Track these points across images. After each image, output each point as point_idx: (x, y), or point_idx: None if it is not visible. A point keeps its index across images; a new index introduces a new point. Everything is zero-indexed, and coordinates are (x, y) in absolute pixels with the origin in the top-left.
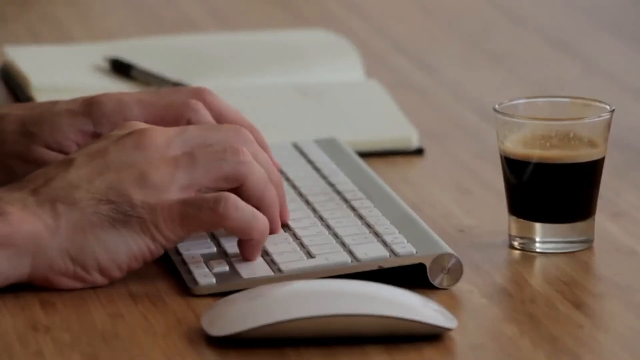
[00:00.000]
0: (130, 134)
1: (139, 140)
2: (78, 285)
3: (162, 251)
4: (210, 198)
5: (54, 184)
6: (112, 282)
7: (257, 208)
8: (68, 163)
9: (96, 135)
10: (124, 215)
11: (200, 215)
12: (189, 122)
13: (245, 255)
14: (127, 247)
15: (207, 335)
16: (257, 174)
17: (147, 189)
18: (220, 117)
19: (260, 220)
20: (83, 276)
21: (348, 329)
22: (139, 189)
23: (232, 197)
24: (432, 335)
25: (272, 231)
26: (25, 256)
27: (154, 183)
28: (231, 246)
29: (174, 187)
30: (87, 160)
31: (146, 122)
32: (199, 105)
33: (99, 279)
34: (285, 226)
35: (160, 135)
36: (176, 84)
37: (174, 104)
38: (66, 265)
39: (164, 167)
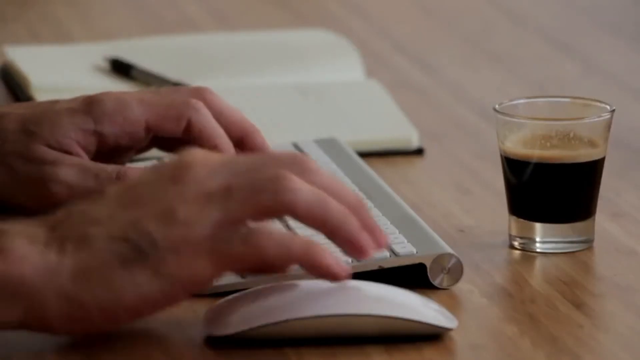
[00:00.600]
0: (173, 164)
1: (178, 173)
2: (77, 329)
3: (182, 298)
4: (242, 232)
5: (73, 220)
6: None
7: (331, 239)
8: (99, 196)
9: (97, 134)
10: (140, 253)
11: (231, 250)
12: (189, 122)
13: (327, 276)
14: (137, 289)
15: (207, 335)
16: (305, 200)
17: (172, 225)
18: (220, 117)
19: (301, 243)
20: (81, 318)
21: (348, 329)
22: (163, 225)
23: (264, 227)
24: (432, 335)
25: (360, 255)
26: (18, 298)
27: (181, 219)
28: None
29: (204, 224)
30: (118, 193)
31: (147, 121)
32: (200, 105)
33: (99, 321)
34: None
35: (204, 167)
36: (176, 84)
37: (174, 103)
38: (61, 308)
39: (195, 202)
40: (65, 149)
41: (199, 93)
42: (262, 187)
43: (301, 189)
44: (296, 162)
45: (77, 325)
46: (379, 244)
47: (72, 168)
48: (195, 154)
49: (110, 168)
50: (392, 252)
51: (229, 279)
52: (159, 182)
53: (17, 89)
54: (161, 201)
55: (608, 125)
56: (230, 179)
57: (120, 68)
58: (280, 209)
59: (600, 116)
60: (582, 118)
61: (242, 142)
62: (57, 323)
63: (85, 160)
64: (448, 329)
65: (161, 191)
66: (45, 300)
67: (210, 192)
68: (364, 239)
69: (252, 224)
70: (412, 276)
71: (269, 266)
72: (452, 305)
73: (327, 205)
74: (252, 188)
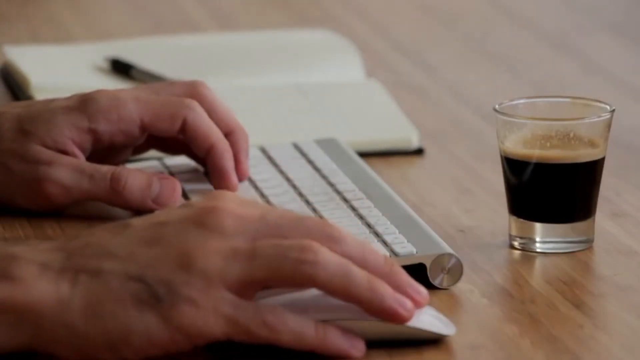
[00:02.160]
0: (203, 207)
1: (206, 218)
2: (82, 359)
3: (190, 346)
4: (260, 310)
5: (90, 250)
6: None
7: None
8: (123, 227)
9: (92, 132)
10: (154, 297)
11: (248, 324)
12: (184, 121)
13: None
14: (147, 332)
15: None
16: (327, 273)
17: (192, 275)
18: (211, 113)
19: (314, 329)
20: (89, 354)
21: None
22: (182, 273)
23: (282, 309)
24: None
25: (399, 321)
26: (25, 325)
27: (200, 271)
28: None
29: (222, 281)
30: (143, 228)
31: (142, 119)
32: (195, 104)
33: (107, 357)
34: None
35: (234, 218)
36: None
37: (170, 102)
38: (69, 340)
39: (217, 256)
40: (60, 147)
41: (194, 87)
42: (286, 255)
43: (324, 262)
44: (325, 230)
45: (84, 357)
46: (417, 302)
47: (67, 168)
48: (226, 198)
49: (105, 169)
50: (392, 252)
51: None
52: (186, 224)
53: (17, 88)
54: (183, 246)
55: (608, 125)
56: (256, 239)
57: (120, 68)
58: (301, 280)
59: (600, 116)
60: (582, 118)
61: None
62: (64, 353)
63: (80, 160)
64: (445, 336)
65: (186, 235)
66: (53, 331)
67: (235, 249)
68: (395, 303)
69: (272, 305)
70: (412, 276)
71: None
72: (452, 305)
73: (350, 276)
74: (276, 254)
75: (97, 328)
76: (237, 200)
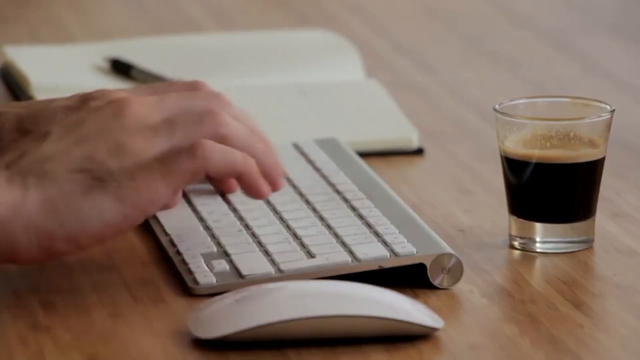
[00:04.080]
0: (108, 103)
1: (117, 110)
2: (42, 257)
3: (141, 218)
4: (186, 146)
5: (27, 158)
6: (113, 283)
7: (248, 170)
8: (43, 136)
9: None
10: (99, 181)
11: (181, 165)
12: None
13: (252, 193)
14: (100, 215)
15: (197, 338)
16: (238, 133)
17: (125, 155)
18: None
19: (243, 156)
20: (47, 246)
21: (335, 329)
22: (116, 156)
23: (207, 140)
24: (432, 336)
25: (274, 186)
26: None
27: (132, 150)
28: (231, 245)
29: (152, 153)
30: (63, 132)
31: None
32: None
33: (64, 247)
34: (286, 226)
35: (139, 104)
36: None
37: None
38: (30, 239)
39: (142, 135)
40: None
41: (194, 87)
42: (201, 121)
43: (232, 123)
44: (218, 98)
45: (44, 254)
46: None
47: None
48: (120, 91)
49: None
50: (392, 252)
51: (229, 278)
52: (101, 119)
53: (17, 88)
54: (109, 136)
55: (608, 125)
56: (168, 114)
57: (120, 68)
58: (219, 139)
59: (600, 116)
60: (582, 118)
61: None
62: (25, 253)
63: None
64: (435, 329)
65: (106, 127)
66: (15, 233)
67: (155, 126)
68: (276, 171)
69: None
70: (412, 276)
71: (214, 174)
72: (452, 305)
73: (251, 139)
74: (193, 121)
75: (54, 222)
76: (131, 90)
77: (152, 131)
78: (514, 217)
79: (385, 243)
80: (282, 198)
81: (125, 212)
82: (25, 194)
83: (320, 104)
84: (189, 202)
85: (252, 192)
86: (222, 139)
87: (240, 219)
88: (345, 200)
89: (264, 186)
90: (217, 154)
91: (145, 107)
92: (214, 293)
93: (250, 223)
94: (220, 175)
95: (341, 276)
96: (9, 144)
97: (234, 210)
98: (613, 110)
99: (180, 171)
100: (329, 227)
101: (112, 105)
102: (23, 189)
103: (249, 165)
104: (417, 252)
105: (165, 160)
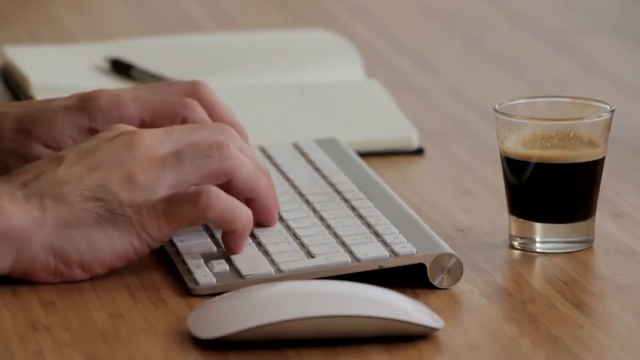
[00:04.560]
0: (120, 134)
1: (129, 141)
2: (56, 279)
3: (147, 250)
4: (192, 192)
5: (43, 179)
6: (113, 282)
7: (252, 200)
8: (58, 160)
9: (92, 131)
10: (112, 213)
11: (183, 210)
12: (184, 120)
13: (230, 248)
14: (112, 245)
15: (197, 338)
16: (245, 167)
17: (135, 189)
18: (211, 112)
19: (244, 210)
20: (63, 271)
21: (335, 329)
22: (127, 188)
23: (213, 188)
24: (432, 336)
25: (269, 222)
26: (10, 249)
27: (142, 183)
28: None
29: (161, 187)
30: (77, 157)
31: (142, 118)
32: (195, 104)
33: (78, 274)
34: (286, 226)
35: (149, 136)
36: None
37: (170, 101)
38: (48, 260)
39: (152, 168)
40: (61, 147)
41: (193, 86)
42: (210, 153)
43: (239, 156)
44: (224, 130)
45: (58, 275)
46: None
47: None
48: (128, 126)
49: None
50: (392, 252)
51: (229, 278)
52: (114, 149)
53: (17, 89)
54: (122, 166)
55: (608, 125)
56: (177, 147)
57: (120, 68)
58: (226, 173)
59: (600, 116)
60: (582, 118)
61: None
62: (42, 273)
63: None
64: (435, 329)
65: (118, 157)
66: (33, 251)
67: (164, 158)
68: (275, 209)
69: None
70: (412, 276)
71: (214, 222)
72: (452, 305)
73: (257, 174)
74: (201, 154)
75: (71, 246)
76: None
77: (161, 163)
78: (514, 217)
79: (385, 243)
80: (282, 198)
81: (134, 244)
82: (44, 215)
83: (320, 104)
84: None
85: (232, 249)
86: (229, 172)
87: None
88: (345, 200)
89: (242, 246)
90: (221, 205)
91: (154, 139)
92: (214, 293)
93: None
94: (218, 224)
95: (341, 276)
96: (11, 146)
97: None
98: (613, 110)
99: (182, 215)
100: (328, 227)
101: (124, 137)
102: (41, 210)
103: (246, 225)
104: (417, 252)
105: (170, 203)
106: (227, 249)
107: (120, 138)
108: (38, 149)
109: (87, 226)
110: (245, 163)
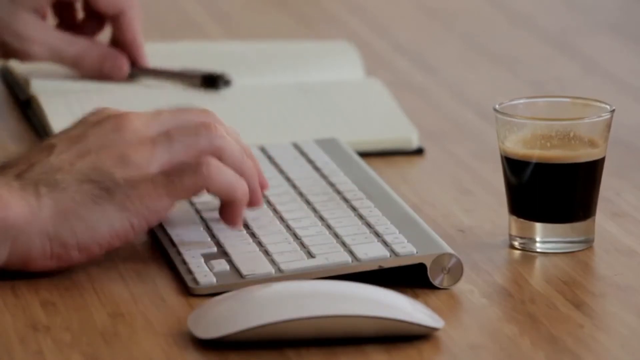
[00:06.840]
0: (107, 117)
1: (116, 124)
2: (54, 265)
3: (145, 227)
4: (193, 162)
5: (36, 169)
6: (113, 282)
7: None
8: (49, 148)
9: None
10: (107, 191)
11: (183, 180)
12: (123, 12)
13: (230, 220)
14: (109, 223)
15: (199, 338)
16: (233, 146)
17: (129, 166)
18: None
19: (241, 181)
20: (60, 254)
21: (335, 329)
22: (121, 167)
23: (213, 159)
24: (431, 336)
25: (254, 202)
26: (7, 240)
27: (135, 161)
28: (231, 245)
29: (154, 164)
30: (68, 145)
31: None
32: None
33: (76, 256)
34: (286, 226)
35: (137, 118)
36: (181, 74)
37: None
38: (44, 247)
39: (143, 147)
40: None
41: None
42: (199, 133)
43: (227, 136)
44: (209, 114)
45: (55, 261)
46: (264, 187)
47: (42, 47)
48: (117, 109)
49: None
50: (392, 252)
51: (229, 278)
52: (102, 133)
53: (17, 89)
54: (112, 148)
55: (608, 125)
56: (165, 128)
57: None
58: (215, 151)
59: (600, 116)
60: (582, 118)
61: (117, 19)
62: (39, 260)
63: (55, 34)
64: (435, 329)
65: (108, 140)
66: (30, 239)
67: (154, 138)
68: (259, 190)
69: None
70: (412, 276)
71: (214, 192)
72: (452, 305)
73: (243, 155)
74: (191, 133)
75: (67, 231)
76: (126, 109)
77: (151, 143)
78: (514, 217)
79: (385, 243)
80: (282, 198)
81: (132, 221)
82: (39, 202)
83: (320, 103)
84: (190, 201)
85: (232, 221)
86: (218, 151)
87: None
88: (345, 200)
89: (241, 219)
90: (221, 176)
91: (142, 121)
92: (214, 293)
93: (250, 223)
94: (218, 195)
95: (341, 276)
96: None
97: None
98: (613, 110)
99: (183, 186)
100: (328, 227)
101: (112, 120)
102: (36, 197)
103: (245, 196)
104: (417, 252)
105: (170, 174)
106: (227, 222)
107: (108, 121)
108: (23, 24)
109: (83, 208)
110: (232, 143)
